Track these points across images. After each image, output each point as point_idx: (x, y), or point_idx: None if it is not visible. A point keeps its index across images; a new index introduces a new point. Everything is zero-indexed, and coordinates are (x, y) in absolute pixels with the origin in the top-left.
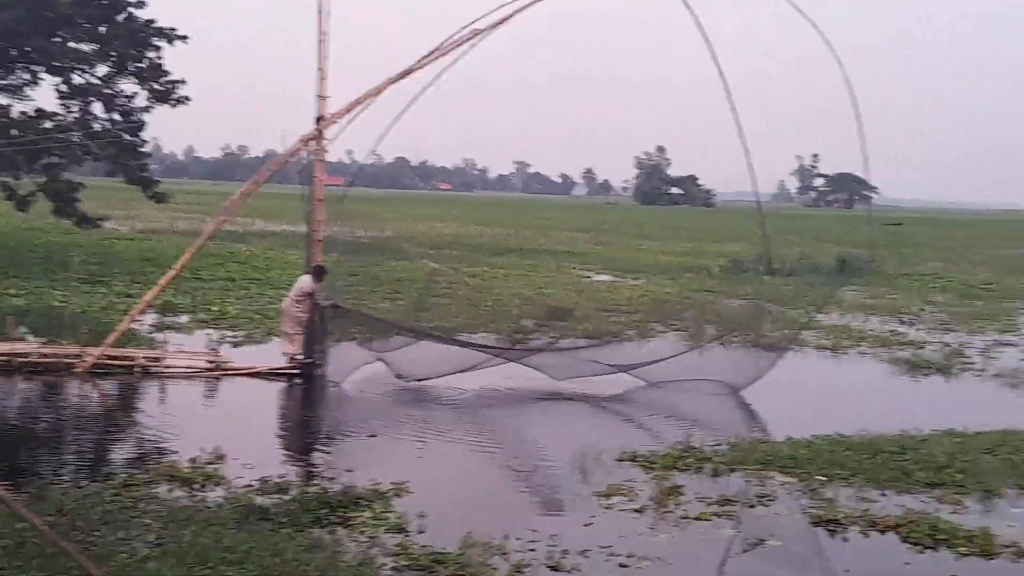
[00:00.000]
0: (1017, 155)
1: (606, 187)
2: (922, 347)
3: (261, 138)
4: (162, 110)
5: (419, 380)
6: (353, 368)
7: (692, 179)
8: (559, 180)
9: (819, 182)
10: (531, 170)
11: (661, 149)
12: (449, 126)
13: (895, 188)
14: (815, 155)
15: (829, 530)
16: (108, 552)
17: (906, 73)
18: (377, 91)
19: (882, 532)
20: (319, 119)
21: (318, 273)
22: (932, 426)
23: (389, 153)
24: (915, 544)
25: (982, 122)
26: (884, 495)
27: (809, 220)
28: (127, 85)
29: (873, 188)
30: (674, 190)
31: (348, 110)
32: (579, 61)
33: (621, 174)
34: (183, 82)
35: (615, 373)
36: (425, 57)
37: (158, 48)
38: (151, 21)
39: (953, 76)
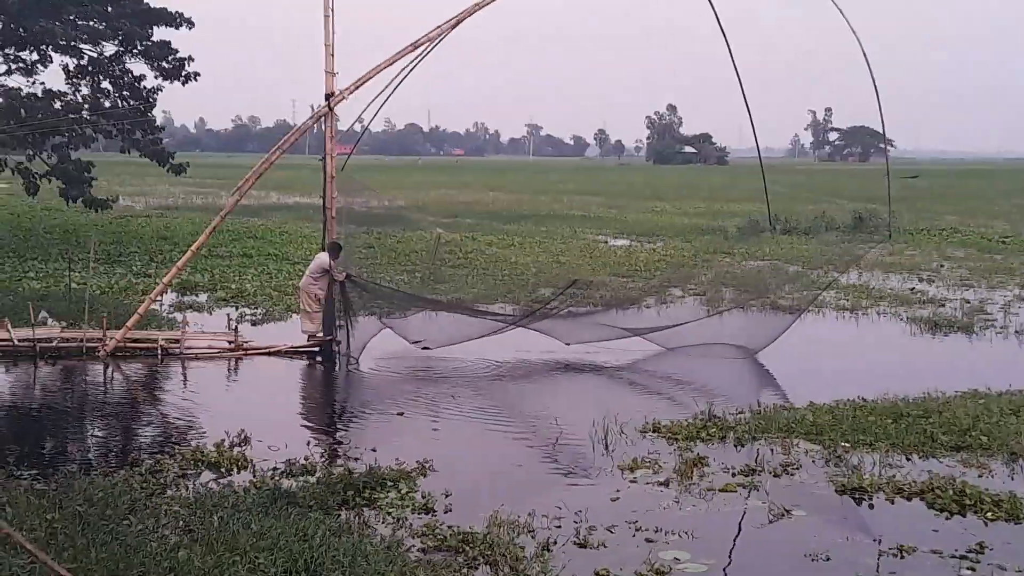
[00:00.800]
0: None
1: (619, 148)
2: (942, 305)
3: (272, 108)
4: (173, 85)
5: (436, 348)
6: (372, 344)
7: (706, 137)
8: (571, 142)
9: (833, 136)
10: (543, 132)
11: (672, 108)
12: (461, 90)
13: (911, 139)
14: (828, 109)
15: (855, 498)
16: (137, 542)
17: (922, 22)
18: (387, 64)
19: (908, 499)
20: (328, 96)
21: (334, 250)
22: (955, 387)
23: (401, 120)
24: (942, 510)
25: (999, 69)
26: (909, 460)
27: (824, 175)
28: (136, 64)
29: (889, 141)
30: (688, 149)
31: (358, 86)
32: (585, 18)
33: (634, 134)
34: (191, 59)
35: (629, 337)
36: (433, 30)
37: (167, 25)
38: (161, 10)
39: (967, 22)
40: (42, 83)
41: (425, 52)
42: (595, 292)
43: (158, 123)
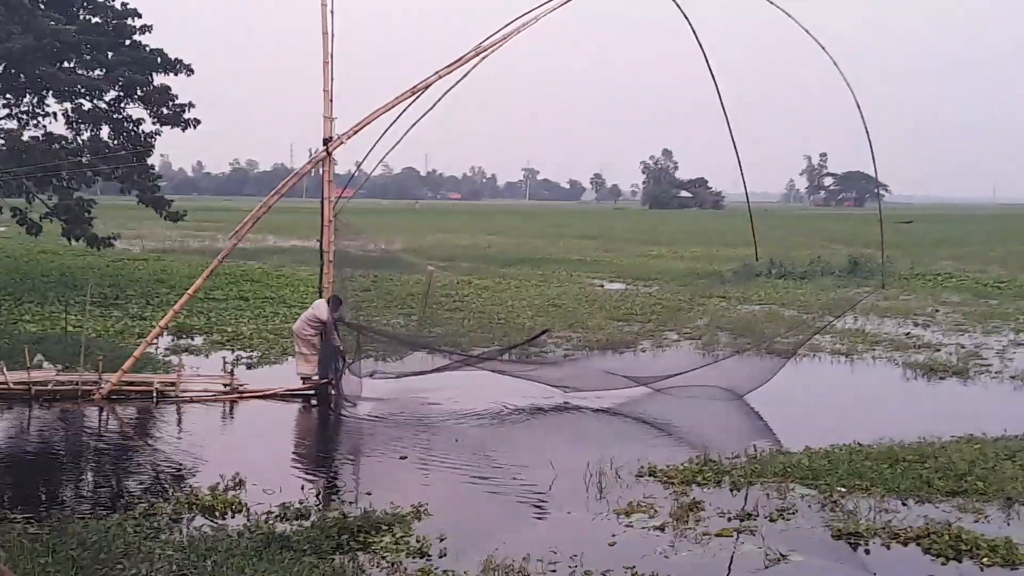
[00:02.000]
0: None
1: (615, 192)
2: (938, 349)
3: (270, 152)
4: (172, 130)
5: (429, 400)
6: (367, 387)
7: (702, 181)
8: (567, 186)
9: (828, 181)
10: (540, 176)
11: (668, 152)
12: (458, 135)
13: (907, 185)
14: (823, 154)
15: (851, 543)
16: None
17: (915, 67)
18: (385, 109)
19: (904, 544)
20: (327, 140)
21: (334, 304)
22: (951, 432)
23: (398, 164)
24: (938, 556)
25: (993, 113)
26: (905, 505)
27: (819, 220)
28: (135, 110)
29: (883, 186)
30: (683, 193)
31: (356, 131)
32: (582, 65)
33: (630, 178)
34: (191, 106)
35: (632, 387)
36: (431, 76)
37: (166, 72)
38: (158, 51)
39: (963, 68)
40: (43, 127)
41: (431, 107)
42: (592, 336)
43: (155, 169)
